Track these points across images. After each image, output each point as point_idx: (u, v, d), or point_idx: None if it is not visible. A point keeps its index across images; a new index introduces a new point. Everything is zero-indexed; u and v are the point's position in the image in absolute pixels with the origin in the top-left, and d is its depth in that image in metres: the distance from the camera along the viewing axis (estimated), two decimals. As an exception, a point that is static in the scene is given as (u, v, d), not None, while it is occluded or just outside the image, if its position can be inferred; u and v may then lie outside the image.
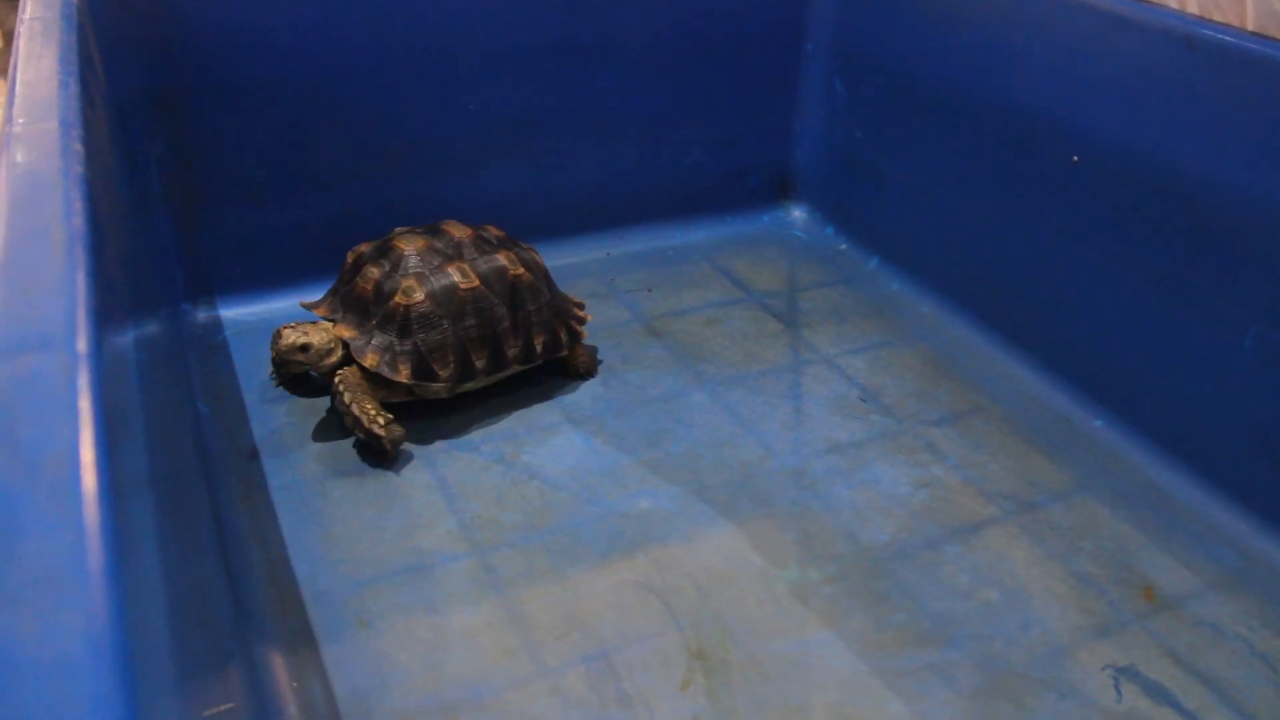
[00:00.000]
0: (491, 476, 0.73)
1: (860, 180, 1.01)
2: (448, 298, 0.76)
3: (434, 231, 0.80)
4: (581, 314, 0.84)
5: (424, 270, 0.77)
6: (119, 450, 0.28)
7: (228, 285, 0.90)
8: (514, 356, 0.79)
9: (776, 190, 1.09)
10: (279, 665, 0.59)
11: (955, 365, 0.86)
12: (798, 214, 1.09)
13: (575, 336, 0.83)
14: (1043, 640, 0.61)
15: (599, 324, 0.90)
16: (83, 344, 0.30)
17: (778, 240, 1.06)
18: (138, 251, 0.74)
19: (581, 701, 0.57)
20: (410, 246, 0.78)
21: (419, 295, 0.75)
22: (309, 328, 0.76)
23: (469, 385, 0.78)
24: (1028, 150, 0.82)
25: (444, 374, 0.76)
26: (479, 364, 0.77)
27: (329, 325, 0.77)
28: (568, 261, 0.99)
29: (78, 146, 0.44)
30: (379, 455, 0.74)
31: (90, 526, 0.23)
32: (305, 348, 0.75)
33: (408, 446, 0.75)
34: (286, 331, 0.75)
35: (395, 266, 0.77)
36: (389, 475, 0.73)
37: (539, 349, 0.80)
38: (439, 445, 0.76)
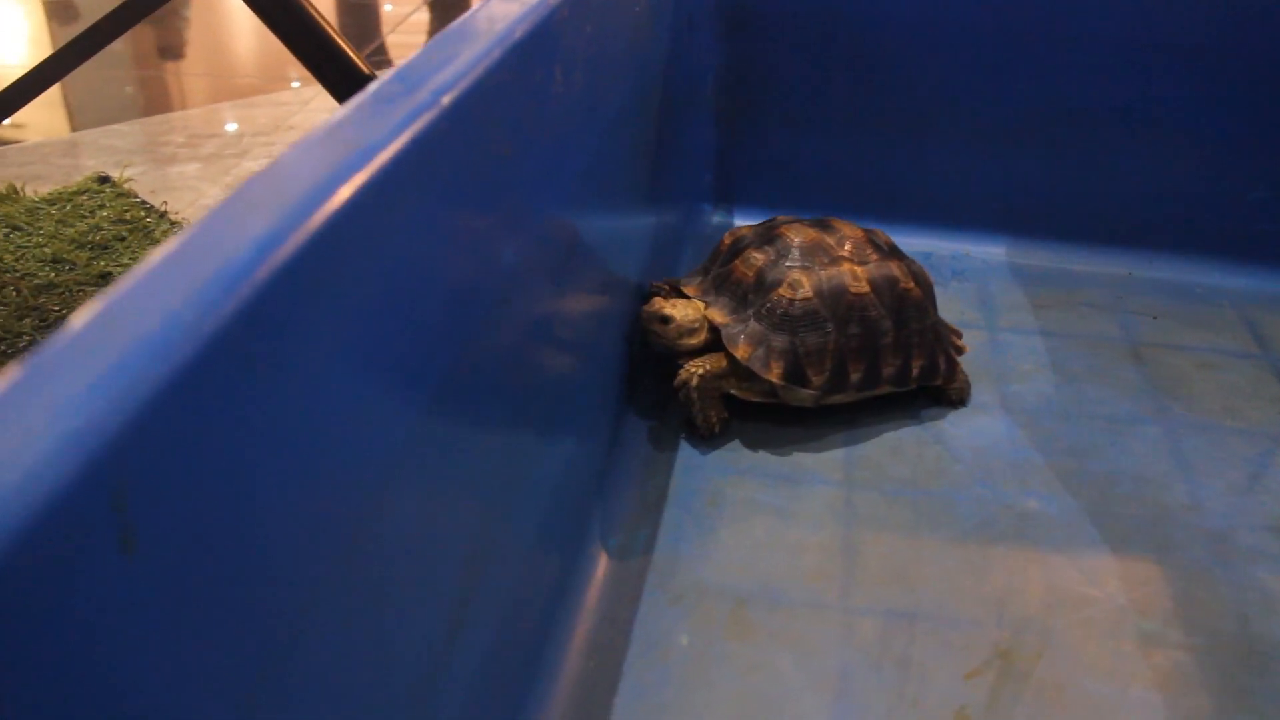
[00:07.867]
0: (901, 428, 0.74)
1: None
2: (836, 299, 0.71)
3: (823, 226, 0.75)
4: (959, 343, 0.79)
5: (812, 265, 0.71)
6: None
7: (749, 198, 0.98)
8: (889, 376, 0.73)
9: (1354, 256, 0.95)
10: (624, 507, 0.66)
11: None
12: (1375, 290, 0.94)
13: (953, 366, 0.76)
14: None
15: (1079, 331, 0.86)
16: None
17: (1335, 312, 0.92)
18: (671, 144, 0.82)
19: (863, 646, 0.57)
20: (798, 237, 0.73)
21: (807, 290, 0.70)
22: (679, 302, 0.71)
23: (837, 398, 0.72)
24: None
25: (816, 381, 0.70)
26: (854, 377, 0.71)
27: (699, 304, 0.72)
28: (1077, 268, 0.95)
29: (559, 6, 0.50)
30: (690, 430, 0.72)
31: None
32: (666, 319, 0.70)
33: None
34: (656, 299, 0.71)
35: (781, 255, 0.72)
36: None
37: (915, 372, 0.73)
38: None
